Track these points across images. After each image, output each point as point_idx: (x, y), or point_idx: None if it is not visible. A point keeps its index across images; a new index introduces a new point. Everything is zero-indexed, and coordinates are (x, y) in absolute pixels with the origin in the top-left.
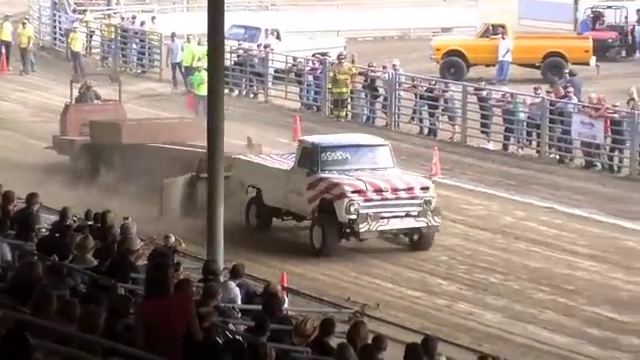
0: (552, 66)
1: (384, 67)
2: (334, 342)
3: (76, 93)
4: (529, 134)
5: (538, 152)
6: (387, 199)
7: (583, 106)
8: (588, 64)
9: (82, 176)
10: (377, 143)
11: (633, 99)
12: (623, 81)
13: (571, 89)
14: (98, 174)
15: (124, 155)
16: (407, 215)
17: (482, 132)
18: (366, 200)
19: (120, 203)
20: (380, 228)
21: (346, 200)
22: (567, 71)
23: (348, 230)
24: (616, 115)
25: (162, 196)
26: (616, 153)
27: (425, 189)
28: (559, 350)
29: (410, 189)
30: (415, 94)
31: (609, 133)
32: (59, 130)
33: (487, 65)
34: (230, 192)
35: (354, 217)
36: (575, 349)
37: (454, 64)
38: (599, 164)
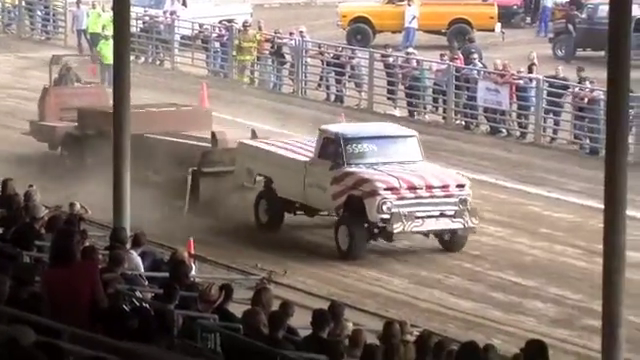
0: (457, 32)
1: (291, 34)
2: (239, 309)
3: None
4: (435, 100)
5: (444, 118)
6: (421, 197)
7: (488, 72)
8: (493, 30)
9: (67, 167)
10: (405, 134)
11: (534, 64)
12: (527, 47)
13: (475, 55)
14: (85, 165)
15: None
16: (442, 215)
17: (388, 99)
18: (399, 198)
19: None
20: (415, 229)
21: (378, 198)
22: (467, 37)
23: (378, 230)
24: (521, 81)
25: (188, 188)
26: (521, 119)
27: (461, 187)
28: (465, 315)
29: (445, 187)
30: (322, 61)
31: (514, 99)
32: (38, 115)
33: (393, 32)
34: (234, 187)
35: (387, 216)
36: (480, 314)
37: (360, 31)
38: (504, 130)
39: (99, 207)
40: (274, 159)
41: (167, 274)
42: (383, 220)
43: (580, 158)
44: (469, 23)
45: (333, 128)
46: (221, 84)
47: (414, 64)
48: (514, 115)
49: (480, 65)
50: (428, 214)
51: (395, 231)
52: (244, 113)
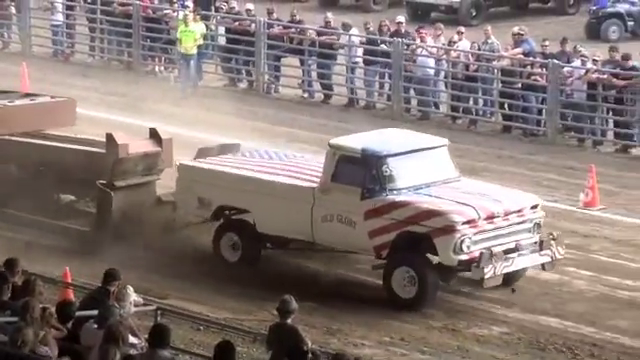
0: None
1: None
2: None
3: None
4: None
5: None
6: (499, 228)
7: None
8: None
9: None
10: (437, 144)
11: None
12: None
13: None
14: None
15: None
16: (519, 247)
17: None
18: (478, 232)
19: None
20: (506, 270)
21: (457, 235)
22: None
23: (453, 274)
24: None
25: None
26: None
27: (534, 208)
28: None
29: (520, 210)
30: None
31: None
32: None
33: None
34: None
35: (465, 258)
36: None
37: None
38: None
39: None
40: (252, 185)
41: None
42: (462, 263)
43: None
44: None
45: (353, 143)
46: None
47: None
48: None
49: None
50: (505, 248)
51: (487, 276)
52: None
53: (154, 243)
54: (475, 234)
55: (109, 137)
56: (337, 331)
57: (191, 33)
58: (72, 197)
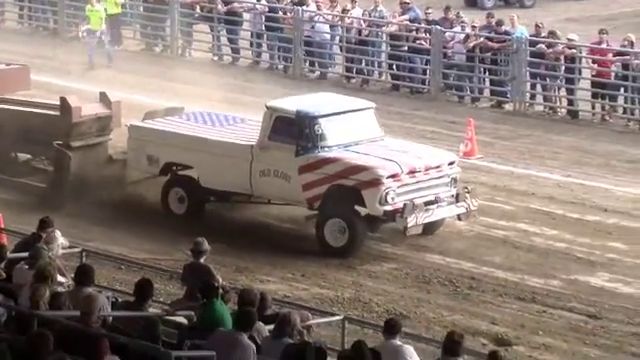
0: None
1: None
2: None
3: None
4: None
5: None
6: (421, 181)
7: None
8: None
9: None
10: (364, 106)
11: None
12: None
13: None
14: None
15: None
16: (438, 199)
17: None
18: (402, 185)
19: None
20: (426, 220)
21: (382, 188)
22: None
23: (379, 224)
24: None
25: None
26: None
27: (452, 164)
28: None
29: (439, 166)
30: None
31: None
32: None
33: None
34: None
35: (390, 208)
36: None
37: None
38: None
39: None
40: (196, 144)
41: None
42: (387, 213)
43: None
44: None
45: (288, 105)
46: None
47: None
48: None
49: None
50: (426, 200)
51: (409, 225)
52: None
53: (104, 197)
54: (399, 187)
55: (63, 100)
56: (245, 269)
57: (97, 12)
58: (28, 156)
